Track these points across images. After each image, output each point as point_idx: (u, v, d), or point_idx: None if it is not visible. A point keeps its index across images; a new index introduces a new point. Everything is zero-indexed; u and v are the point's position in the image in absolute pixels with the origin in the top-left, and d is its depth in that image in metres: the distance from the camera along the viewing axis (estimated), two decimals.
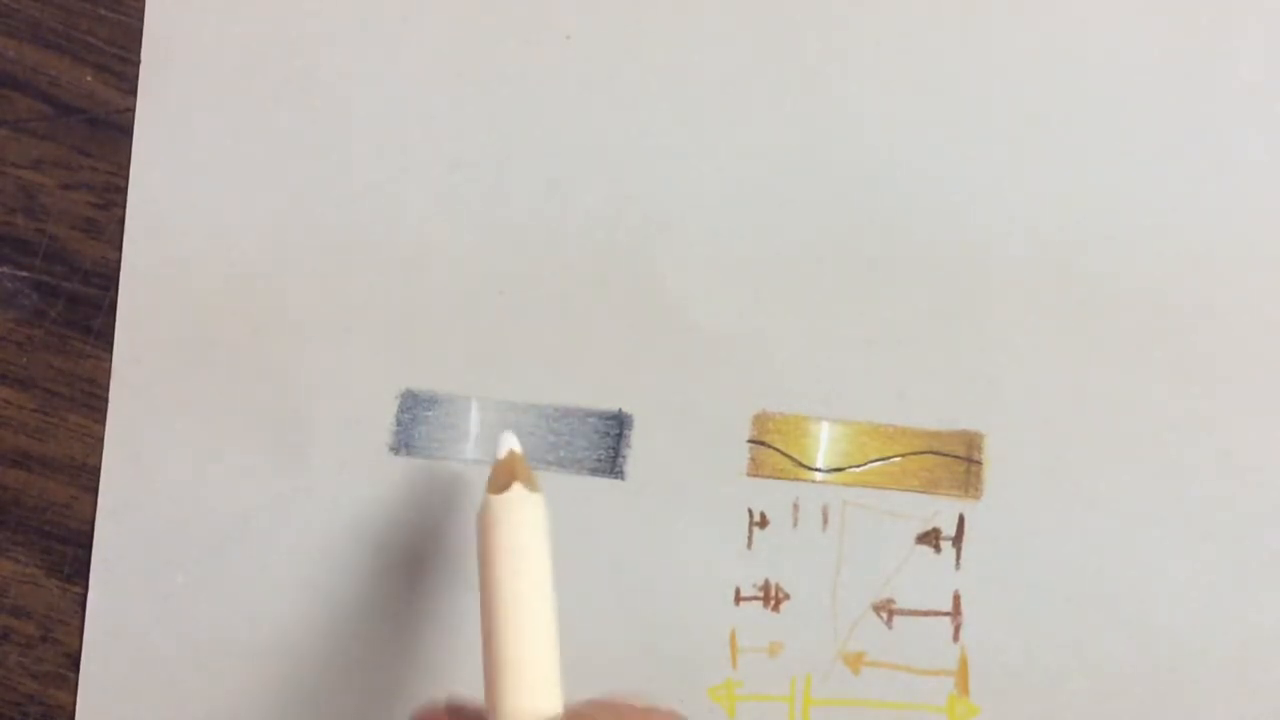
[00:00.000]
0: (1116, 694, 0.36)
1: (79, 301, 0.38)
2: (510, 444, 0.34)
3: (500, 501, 0.33)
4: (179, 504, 0.37)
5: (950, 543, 0.36)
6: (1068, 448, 0.36)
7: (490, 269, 0.37)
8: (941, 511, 0.37)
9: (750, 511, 0.37)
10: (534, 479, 0.33)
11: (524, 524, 0.32)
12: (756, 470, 0.37)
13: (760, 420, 0.37)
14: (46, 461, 0.38)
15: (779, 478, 0.37)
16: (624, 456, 0.37)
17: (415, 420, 0.37)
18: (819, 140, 0.37)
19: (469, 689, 0.37)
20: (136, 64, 0.38)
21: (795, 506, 0.37)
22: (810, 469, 0.37)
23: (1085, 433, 0.36)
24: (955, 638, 0.36)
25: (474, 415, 0.37)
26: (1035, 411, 0.36)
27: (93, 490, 0.37)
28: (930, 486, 0.37)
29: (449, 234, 0.37)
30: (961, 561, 0.36)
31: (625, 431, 0.37)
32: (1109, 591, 0.36)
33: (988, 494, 0.36)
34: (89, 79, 0.38)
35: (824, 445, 0.37)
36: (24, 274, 0.38)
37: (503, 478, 0.33)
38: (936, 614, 0.36)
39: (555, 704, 0.30)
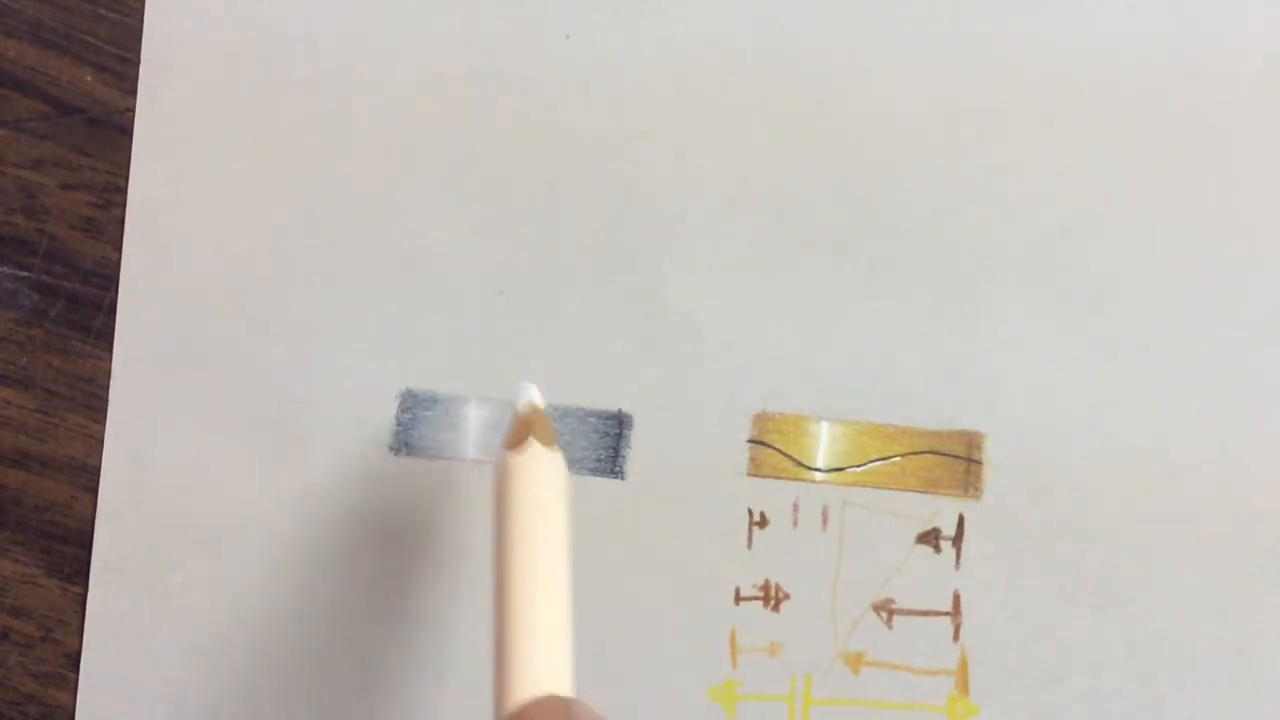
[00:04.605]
0: (1116, 694, 0.36)
1: (79, 301, 0.38)
2: (530, 395, 0.32)
3: (517, 461, 0.30)
4: (179, 504, 0.37)
5: (950, 543, 0.36)
6: (1068, 448, 0.36)
7: (490, 269, 0.37)
8: (941, 511, 0.37)
9: (750, 511, 0.37)
10: (553, 435, 0.31)
11: (539, 484, 0.30)
12: (756, 470, 0.37)
13: (760, 420, 0.37)
14: (46, 461, 0.38)
15: (779, 478, 0.37)
16: (624, 456, 0.37)
17: (415, 420, 0.37)
18: (819, 140, 0.37)
19: (469, 688, 0.37)
20: (136, 64, 0.38)
21: (795, 506, 0.37)
22: (810, 469, 0.37)
23: (1085, 433, 0.36)
24: (955, 638, 0.36)
25: (474, 415, 0.37)
26: (1035, 411, 0.36)
27: (93, 490, 0.37)
28: (930, 486, 0.37)
29: (449, 234, 0.37)
30: (961, 561, 0.36)
31: (625, 431, 0.37)
32: (1109, 591, 0.36)
33: (988, 494, 0.36)
34: (89, 79, 0.38)
35: (824, 445, 0.37)
36: (24, 274, 0.38)
37: (520, 432, 0.31)
38: (936, 614, 0.36)
39: (565, 672, 0.28)
